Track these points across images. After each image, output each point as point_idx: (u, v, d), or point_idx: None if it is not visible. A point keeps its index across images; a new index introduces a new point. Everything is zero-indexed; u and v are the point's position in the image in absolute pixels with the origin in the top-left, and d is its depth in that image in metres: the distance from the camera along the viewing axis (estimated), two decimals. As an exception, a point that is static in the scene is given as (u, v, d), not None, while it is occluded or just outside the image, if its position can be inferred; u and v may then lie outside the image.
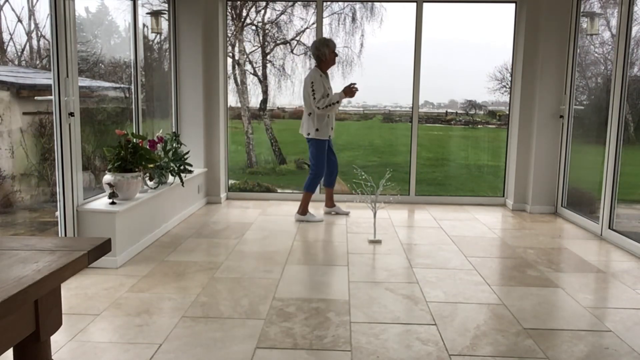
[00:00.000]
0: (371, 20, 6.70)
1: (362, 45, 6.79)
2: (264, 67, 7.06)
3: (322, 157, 5.08)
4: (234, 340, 2.53)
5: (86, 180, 3.92)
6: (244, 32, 6.95)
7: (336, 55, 5.02)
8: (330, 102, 4.92)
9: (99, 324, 2.71)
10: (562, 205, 5.53)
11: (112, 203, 3.73)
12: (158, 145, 4.44)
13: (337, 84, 5.34)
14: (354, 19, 6.73)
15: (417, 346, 2.50)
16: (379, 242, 4.33)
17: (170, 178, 4.65)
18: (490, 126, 7.08)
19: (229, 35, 6.42)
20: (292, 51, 6.93)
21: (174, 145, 4.65)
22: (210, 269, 3.60)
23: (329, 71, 5.18)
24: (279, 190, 6.79)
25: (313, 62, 5.15)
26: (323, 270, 3.63)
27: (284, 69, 6.97)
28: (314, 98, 4.90)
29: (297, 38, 6.84)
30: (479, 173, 7.02)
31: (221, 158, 5.93)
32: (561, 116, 5.47)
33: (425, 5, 5.80)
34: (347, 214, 5.40)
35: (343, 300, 3.05)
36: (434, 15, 5.88)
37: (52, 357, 1.49)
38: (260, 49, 7.02)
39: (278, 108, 7.26)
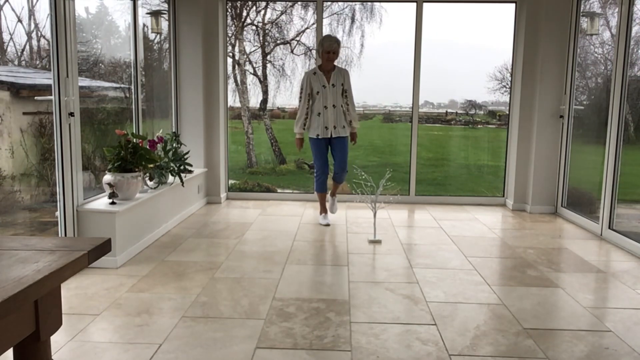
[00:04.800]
0: (371, 21, 6.71)
1: (362, 45, 6.80)
2: (264, 67, 7.06)
3: (315, 154, 4.95)
4: (234, 340, 2.53)
5: (86, 180, 3.92)
6: (244, 32, 6.95)
7: (329, 53, 4.76)
8: (296, 123, 4.96)
9: (99, 324, 2.71)
10: (562, 205, 5.53)
11: (112, 203, 3.73)
12: (158, 145, 4.44)
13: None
14: (353, 19, 6.73)
15: (417, 346, 2.50)
16: (379, 242, 4.33)
17: (170, 178, 4.65)
18: (490, 126, 7.08)
19: (229, 35, 6.42)
20: (292, 51, 6.94)
21: (174, 145, 4.65)
22: (210, 269, 3.60)
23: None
24: (279, 190, 6.79)
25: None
26: (323, 270, 3.63)
27: (283, 69, 6.98)
28: (300, 97, 4.95)
29: (297, 38, 6.84)
30: (479, 173, 7.02)
31: (221, 158, 5.93)
32: (561, 116, 5.47)
33: (425, 5, 5.80)
34: (327, 225, 4.95)
35: (343, 300, 3.05)
36: (434, 15, 5.88)
37: (52, 357, 1.49)
38: (260, 49, 7.02)
39: (278, 108, 7.26)
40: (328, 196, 5.14)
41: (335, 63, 4.94)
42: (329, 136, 4.87)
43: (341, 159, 4.93)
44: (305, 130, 4.95)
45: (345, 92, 4.90)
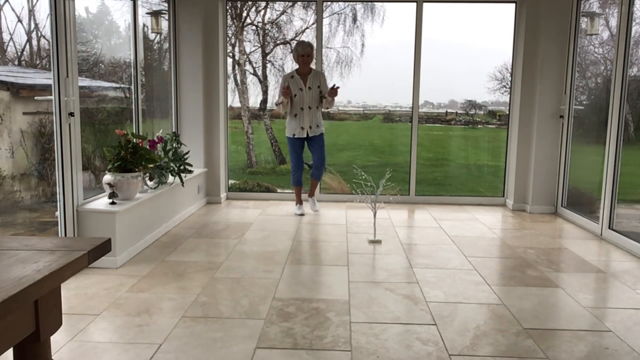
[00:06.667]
0: (371, 20, 6.71)
1: (362, 45, 6.80)
2: (264, 67, 7.06)
3: (291, 153, 5.37)
4: (234, 340, 2.53)
5: (86, 180, 3.92)
6: (244, 32, 6.95)
7: (303, 57, 5.10)
8: (277, 102, 5.34)
9: (99, 324, 2.71)
10: (562, 205, 5.53)
11: (112, 203, 3.73)
12: (158, 145, 4.44)
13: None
14: (354, 19, 6.74)
15: (417, 346, 2.50)
16: (379, 242, 4.33)
17: (170, 178, 4.65)
18: (490, 126, 7.08)
19: (229, 35, 6.42)
20: (292, 51, 6.94)
21: (174, 145, 4.65)
22: (210, 269, 3.60)
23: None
24: (279, 190, 6.79)
25: (313, 61, 5.25)
26: (323, 270, 3.63)
27: (283, 69, 6.98)
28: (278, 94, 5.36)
29: (297, 38, 6.84)
30: (479, 173, 7.02)
31: (221, 158, 5.93)
32: (561, 116, 5.47)
33: (425, 5, 5.80)
34: (302, 214, 5.35)
35: (343, 300, 3.05)
36: (434, 15, 5.88)
37: (52, 357, 1.49)
38: (260, 49, 7.02)
39: (276, 107, 7.27)
40: (306, 196, 5.55)
41: (313, 65, 5.28)
42: (305, 136, 5.24)
43: (320, 154, 5.33)
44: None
45: (322, 93, 5.23)
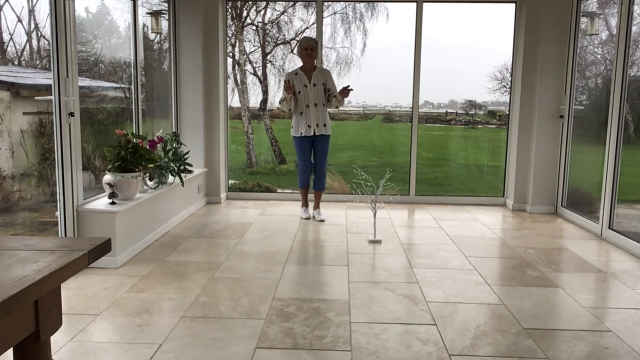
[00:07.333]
0: (371, 20, 6.71)
1: (362, 45, 6.80)
2: (264, 67, 7.06)
3: (298, 154, 5.17)
4: (234, 340, 2.53)
5: (86, 180, 3.92)
6: (244, 32, 6.95)
7: (306, 50, 4.98)
8: (280, 99, 5.13)
9: (99, 324, 2.71)
10: (562, 205, 5.53)
11: (112, 203, 3.73)
12: (158, 145, 4.44)
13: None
14: (354, 19, 6.73)
15: (417, 346, 2.50)
16: (379, 242, 4.33)
17: (170, 178, 4.65)
18: (490, 126, 7.08)
19: (229, 35, 6.42)
20: (292, 51, 6.94)
21: (174, 145, 4.65)
22: (210, 269, 3.60)
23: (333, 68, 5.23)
24: (279, 190, 6.79)
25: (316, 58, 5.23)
26: (323, 270, 3.63)
27: (284, 69, 6.98)
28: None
29: (297, 38, 6.84)
30: (479, 173, 7.02)
31: (221, 158, 5.93)
32: (561, 116, 5.47)
33: (425, 5, 5.80)
34: (308, 218, 5.20)
35: (343, 300, 3.05)
36: (434, 15, 5.88)
37: (52, 357, 1.49)
38: (260, 49, 7.02)
39: (278, 108, 7.26)
40: (311, 210, 5.31)
41: (322, 63, 5.17)
42: (312, 134, 5.06)
43: (321, 158, 5.15)
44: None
45: (329, 91, 5.09)
